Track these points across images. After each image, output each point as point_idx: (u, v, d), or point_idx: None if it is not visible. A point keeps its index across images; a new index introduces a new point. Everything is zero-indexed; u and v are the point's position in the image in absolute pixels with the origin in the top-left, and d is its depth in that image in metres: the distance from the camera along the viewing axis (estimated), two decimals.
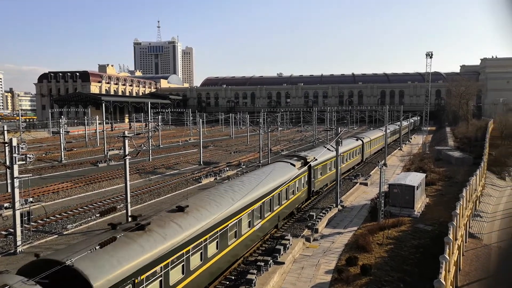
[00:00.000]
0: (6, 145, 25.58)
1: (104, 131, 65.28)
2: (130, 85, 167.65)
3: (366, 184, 41.94)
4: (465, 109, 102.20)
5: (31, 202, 28.95)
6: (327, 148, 37.99)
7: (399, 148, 73.24)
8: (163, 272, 13.22)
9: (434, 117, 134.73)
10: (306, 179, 30.57)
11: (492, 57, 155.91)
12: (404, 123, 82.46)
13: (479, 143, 61.57)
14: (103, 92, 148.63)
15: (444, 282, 12.96)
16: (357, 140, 51.08)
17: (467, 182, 27.38)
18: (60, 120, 62.60)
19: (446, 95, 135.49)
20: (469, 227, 27.39)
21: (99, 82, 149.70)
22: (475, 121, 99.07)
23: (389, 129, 65.54)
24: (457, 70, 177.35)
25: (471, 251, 24.58)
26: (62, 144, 57.58)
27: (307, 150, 40.17)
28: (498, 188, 41.96)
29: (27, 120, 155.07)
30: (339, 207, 32.14)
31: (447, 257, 14.95)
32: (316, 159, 32.85)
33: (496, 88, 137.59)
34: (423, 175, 35.86)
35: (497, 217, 31.56)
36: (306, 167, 29.86)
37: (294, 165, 28.54)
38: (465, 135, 77.45)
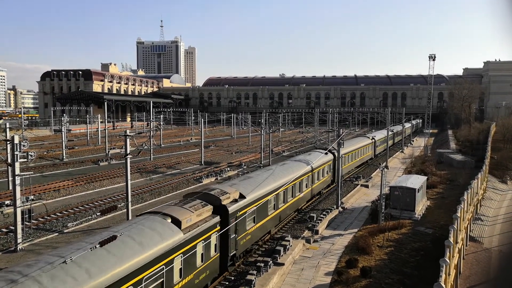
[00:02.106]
0: (8, 142, 25.65)
1: (106, 130, 65.43)
2: (133, 84, 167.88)
3: (367, 186, 41.95)
4: (467, 112, 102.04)
5: (32, 199, 29.02)
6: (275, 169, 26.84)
7: (400, 150, 73.15)
8: None
9: (436, 119, 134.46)
10: (217, 241, 17.51)
11: (495, 60, 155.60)
12: (399, 127, 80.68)
13: (481, 146, 61.38)
14: (106, 91, 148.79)
15: (444, 286, 12.92)
16: (327, 154, 35.70)
17: (469, 186, 27.30)
18: (62, 118, 62.69)
19: (449, 97, 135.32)
20: (470, 231, 27.33)
21: (102, 81, 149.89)
22: (477, 124, 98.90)
23: (376, 136, 60.87)
24: (460, 73, 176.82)
25: (472, 254, 24.52)
26: (63, 142, 57.71)
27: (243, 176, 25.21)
28: (499, 192, 41.82)
29: (29, 118, 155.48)
30: (340, 208, 32.12)
31: (448, 260, 14.90)
32: (243, 198, 19.93)
33: (499, 91, 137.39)
34: (425, 177, 35.78)
35: (498, 221, 31.47)
36: (217, 218, 17.41)
37: (178, 224, 14.98)
38: (467, 138, 77.27)
